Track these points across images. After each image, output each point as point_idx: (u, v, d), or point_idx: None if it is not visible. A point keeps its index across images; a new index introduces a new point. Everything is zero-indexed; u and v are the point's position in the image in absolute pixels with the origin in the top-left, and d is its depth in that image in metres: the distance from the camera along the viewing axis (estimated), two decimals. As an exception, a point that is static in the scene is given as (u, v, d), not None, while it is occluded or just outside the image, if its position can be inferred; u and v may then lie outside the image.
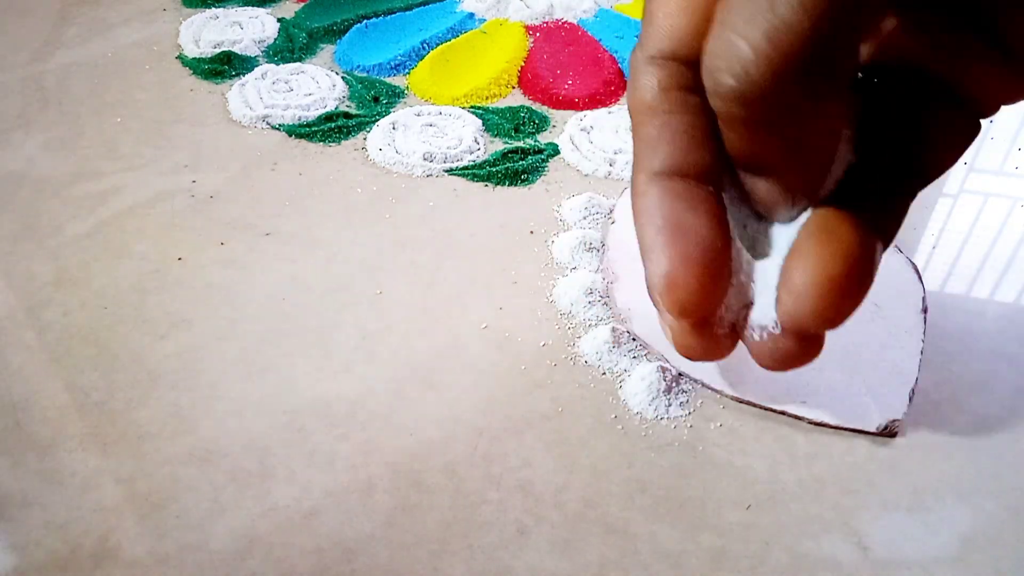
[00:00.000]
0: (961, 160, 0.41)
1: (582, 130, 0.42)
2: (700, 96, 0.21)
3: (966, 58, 0.21)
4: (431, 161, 0.40)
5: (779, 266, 0.21)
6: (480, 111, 0.44)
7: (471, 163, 0.41)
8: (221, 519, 0.27)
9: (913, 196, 0.23)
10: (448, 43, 0.49)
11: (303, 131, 0.43)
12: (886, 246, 0.22)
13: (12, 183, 0.40)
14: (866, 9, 0.18)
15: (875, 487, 0.28)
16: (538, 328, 0.33)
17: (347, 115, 0.44)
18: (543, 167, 0.41)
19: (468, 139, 0.41)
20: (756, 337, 0.22)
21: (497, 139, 0.42)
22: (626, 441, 0.29)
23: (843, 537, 0.26)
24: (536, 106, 0.45)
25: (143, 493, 0.28)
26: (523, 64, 0.47)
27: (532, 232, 0.37)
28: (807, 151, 0.20)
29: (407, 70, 0.47)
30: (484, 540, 0.26)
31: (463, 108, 0.44)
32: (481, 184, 0.40)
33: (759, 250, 0.22)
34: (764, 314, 0.21)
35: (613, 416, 0.30)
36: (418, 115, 0.43)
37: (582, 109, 0.44)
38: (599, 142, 0.41)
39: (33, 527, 0.27)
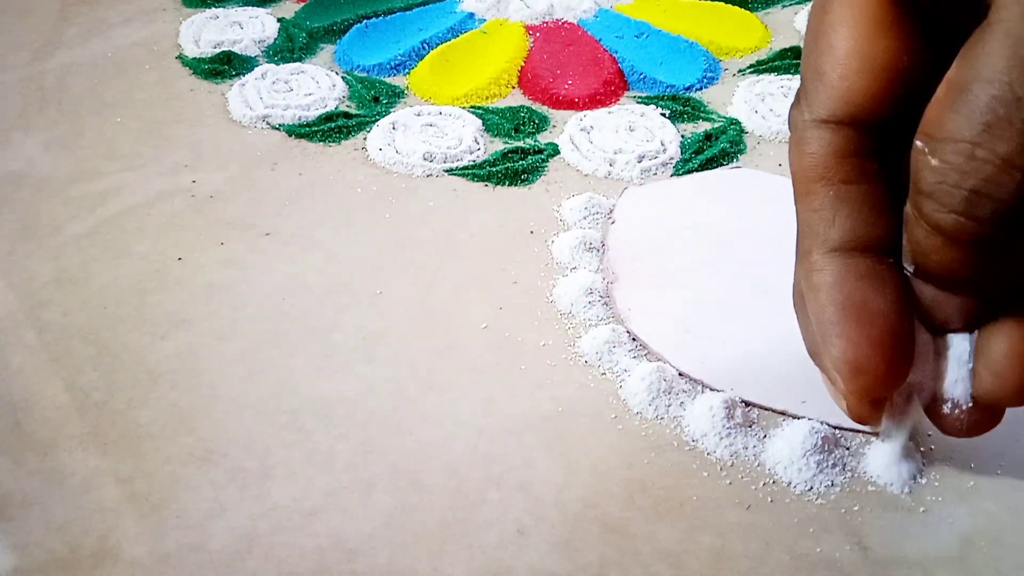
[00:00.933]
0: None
1: (582, 130, 0.42)
2: (878, 164, 0.20)
3: None
4: (431, 161, 0.40)
5: (964, 339, 0.21)
6: (480, 111, 0.44)
7: (471, 163, 0.41)
8: (221, 519, 0.27)
9: None
10: (448, 43, 0.49)
11: (303, 131, 0.43)
12: None
13: (12, 183, 0.40)
14: None
15: (875, 487, 0.28)
16: (538, 328, 0.33)
17: (347, 115, 0.44)
18: (543, 167, 0.41)
19: (468, 139, 0.41)
20: (947, 410, 0.22)
21: (497, 139, 0.42)
22: (626, 441, 0.29)
23: (843, 537, 0.26)
24: (536, 106, 0.45)
25: (143, 493, 0.28)
26: (523, 64, 0.47)
27: (532, 232, 0.37)
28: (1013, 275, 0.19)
29: (407, 70, 0.47)
30: (484, 540, 0.26)
31: (463, 108, 0.44)
32: (481, 184, 0.40)
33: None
34: (954, 388, 0.21)
35: (613, 416, 0.30)
36: (418, 115, 0.43)
37: (582, 109, 0.44)
38: (599, 142, 0.41)
39: (33, 527, 0.27)
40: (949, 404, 0.22)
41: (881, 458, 0.28)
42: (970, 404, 0.21)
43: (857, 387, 0.21)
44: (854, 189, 0.20)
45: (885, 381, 0.21)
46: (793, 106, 0.22)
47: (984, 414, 0.21)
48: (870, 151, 0.20)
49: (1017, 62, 0.16)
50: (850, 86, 0.20)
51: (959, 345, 0.21)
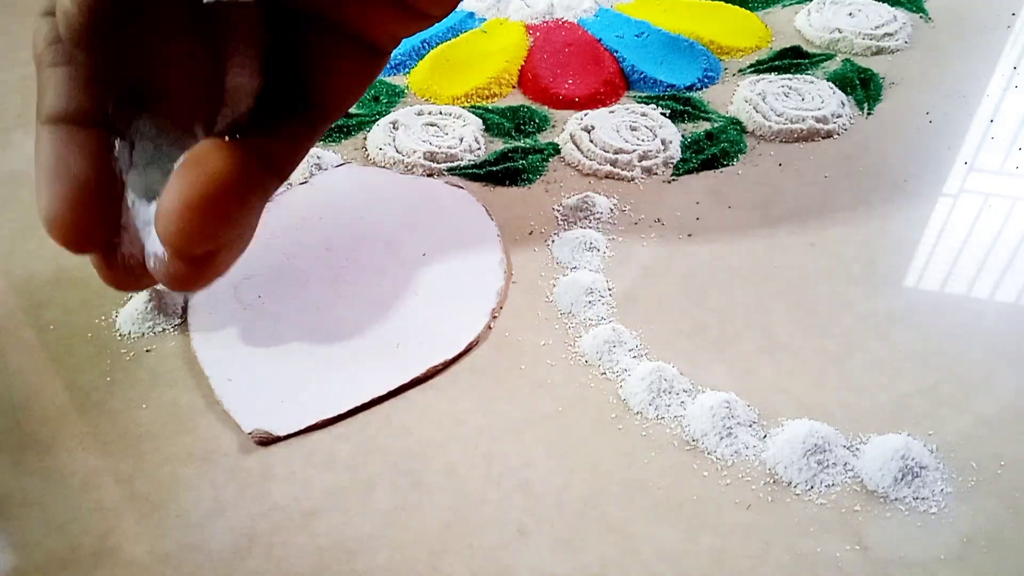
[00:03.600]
0: (961, 160, 0.41)
1: (582, 129, 0.42)
2: (87, 48, 0.23)
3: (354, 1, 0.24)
4: (431, 160, 0.40)
5: (150, 203, 0.24)
6: (480, 110, 0.44)
7: (471, 162, 0.41)
8: (221, 518, 0.27)
9: (316, 130, 0.25)
10: (448, 42, 0.49)
11: (303, 130, 0.43)
12: (281, 175, 0.25)
13: (13, 183, 0.40)
14: None
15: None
16: (538, 328, 0.33)
17: (348, 114, 0.44)
18: (543, 167, 0.41)
19: (469, 138, 0.41)
20: (152, 264, 0.24)
21: (497, 139, 0.42)
22: (626, 441, 0.29)
23: (843, 537, 0.26)
24: (536, 106, 0.45)
25: (143, 493, 0.28)
26: (523, 63, 0.47)
27: (531, 232, 0.37)
28: (170, 80, 0.22)
29: (407, 69, 0.47)
30: (484, 540, 0.26)
31: (464, 107, 0.44)
32: (481, 183, 0.40)
33: (158, 192, 0.24)
34: (156, 243, 0.24)
35: (613, 416, 0.30)
36: (419, 114, 0.43)
37: (582, 108, 0.44)
38: (599, 141, 0.41)
39: (33, 526, 0.27)
40: (152, 259, 0.24)
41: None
42: (166, 255, 0.24)
43: (55, 237, 0.23)
44: (61, 70, 0.23)
45: (78, 233, 0.23)
46: None
47: (178, 263, 0.24)
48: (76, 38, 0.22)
49: None
50: None
51: (145, 208, 0.24)
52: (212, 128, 0.24)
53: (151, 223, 0.24)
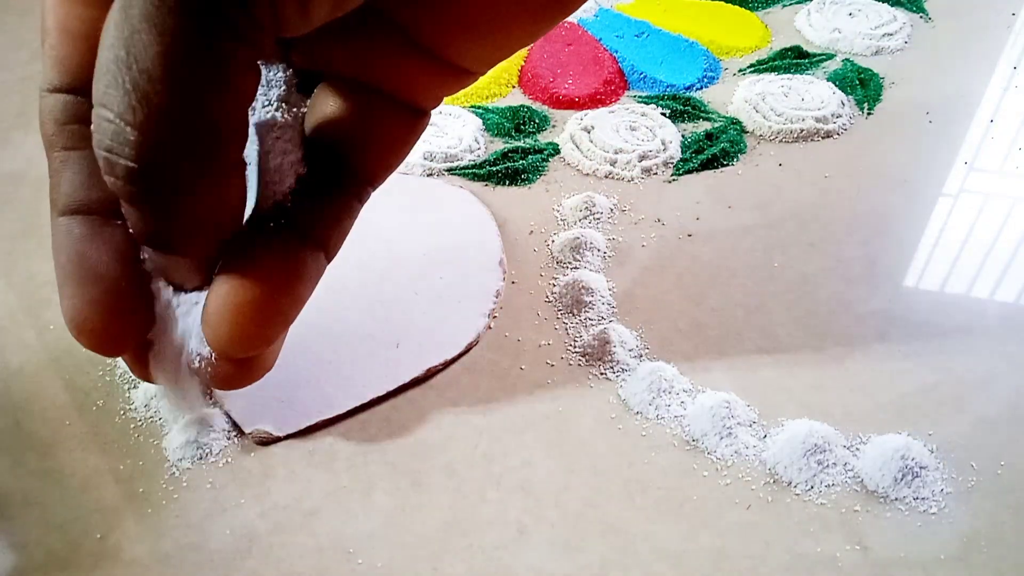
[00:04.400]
0: (961, 160, 0.41)
1: (582, 129, 0.42)
2: None
3: (388, 61, 0.21)
4: (431, 160, 0.40)
5: (193, 296, 0.21)
6: (480, 110, 0.44)
7: (471, 162, 0.41)
8: (221, 518, 0.27)
9: (360, 199, 0.23)
10: (448, 42, 0.49)
11: (303, 130, 0.43)
12: (329, 253, 0.22)
13: (12, 182, 0.40)
14: (238, 65, 0.17)
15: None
16: (538, 328, 0.33)
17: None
18: (543, 166, 0.41)
19: (468, 138, 0.41)
20: (198, 364, 0.22)
21: (497, 139, 0.42)
22: (626, 441, 0.29)
23: (843, 537, 0.26)
24: (536, 105, 0.44)
25: (143, 493, 0.28)
26: (523, 63, 0.47)
27: (532, 232, 0.37)
28: (207, 227, 0.19)
29: (407, 69, 0.47)
30: (484, 540, 0.26)
31: (463, 107, 0.44)
32: (481, 183, 0.40)
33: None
34: (196, 343, 0.21)
35: (613, 416, 0.30)
36: (418, 114, 0.43)
37: (582, 108, 0.44)
38: (600, 141, 0.41)
39: (33, 526, 0.27)
40: (198, 358, 0.22)
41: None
42: (212, 356, 0.22)
43: (85, 342, 0.21)
44: (75, 155, 0.21)
45: (109, 338, 0.21)
46: None
47: (226, 365, 0.22)
48: (88, 117, 0.19)
49: (120, 19, 0.16)
50: (57, 55, 0.20)
51: (187, 302, 0.22)
52: (253, 213, 0.21)
53: (189, 314, 0.22)
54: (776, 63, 0.47)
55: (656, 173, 0.40)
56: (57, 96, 0.21)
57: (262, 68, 0.21)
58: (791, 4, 0.52)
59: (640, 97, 0.45)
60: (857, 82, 0.45)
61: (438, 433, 0.29)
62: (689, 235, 0.37)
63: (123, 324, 0.21)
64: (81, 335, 0.21)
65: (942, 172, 0.40)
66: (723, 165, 0.41)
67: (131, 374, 0.25)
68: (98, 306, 0.20)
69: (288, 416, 0.30)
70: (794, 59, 0.47)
